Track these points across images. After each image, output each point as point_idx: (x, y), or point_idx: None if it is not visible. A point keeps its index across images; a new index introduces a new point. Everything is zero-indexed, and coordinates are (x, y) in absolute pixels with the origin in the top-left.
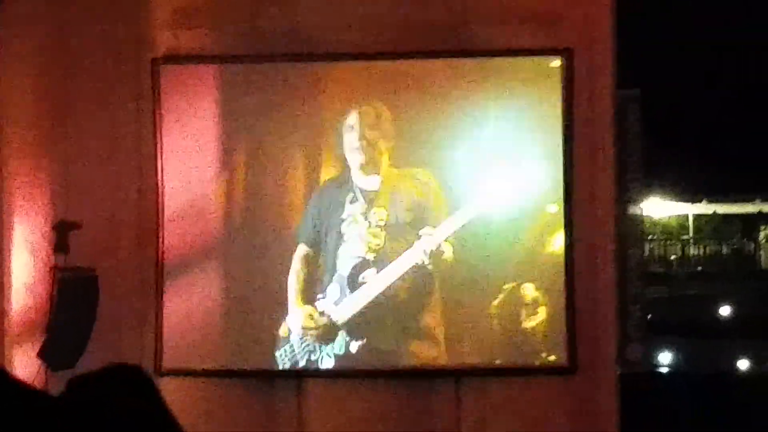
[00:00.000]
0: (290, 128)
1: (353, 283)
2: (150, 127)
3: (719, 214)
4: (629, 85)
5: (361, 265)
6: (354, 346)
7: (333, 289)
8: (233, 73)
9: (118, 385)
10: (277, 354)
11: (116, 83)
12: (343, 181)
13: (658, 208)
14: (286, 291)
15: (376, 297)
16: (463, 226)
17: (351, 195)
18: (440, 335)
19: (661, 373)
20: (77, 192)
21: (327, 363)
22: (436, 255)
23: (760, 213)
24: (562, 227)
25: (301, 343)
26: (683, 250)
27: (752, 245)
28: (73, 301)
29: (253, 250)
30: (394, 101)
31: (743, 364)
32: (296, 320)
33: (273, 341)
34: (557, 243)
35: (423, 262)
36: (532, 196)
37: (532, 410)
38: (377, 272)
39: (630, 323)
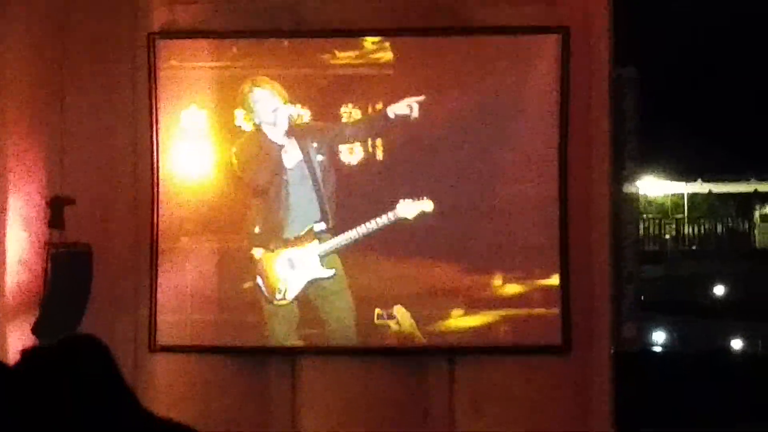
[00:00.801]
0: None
1: None
2: (146, 102)
3: (714, 193)
4: (626, 64)
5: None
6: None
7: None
8: (230, 48)
9: (71, 356)
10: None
11: (112, 58)
12: None
13: (653, 187)
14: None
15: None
16: (456, 200)
17: None
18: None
19: (655, 351)
20: (72, 168)
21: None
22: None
23: (755, 192)
24: (557, 205)
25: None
26: (678, 229)
27: (747, 224)
28: (67, 276)
29: (248, 225)
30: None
31: (737, 343)
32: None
33: (267, 317)
34: (552, 221)
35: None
36: (527, 174)
37: (526, 389)
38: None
39: (624, 302)
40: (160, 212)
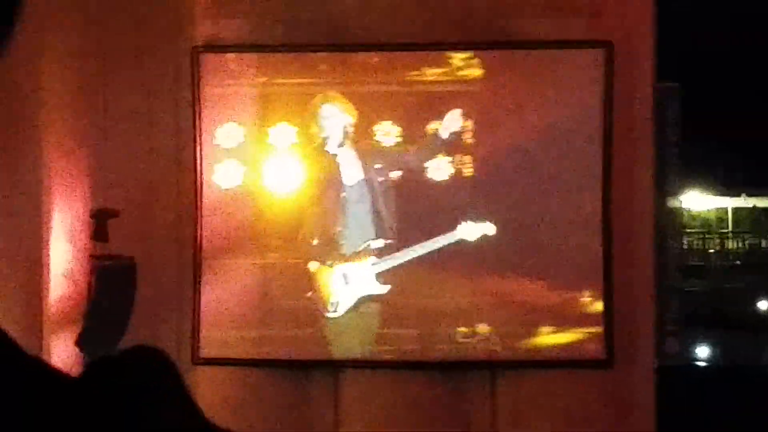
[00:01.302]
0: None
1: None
2: (189, 115)
3: (758, 208)
4: (669, 78)
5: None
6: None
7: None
8: (272, 62)
9: (140, 368)
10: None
11: (155, 71)
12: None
13: (696, 201)
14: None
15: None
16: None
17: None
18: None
19: (698, 366)
20: (116, 180)
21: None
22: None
23: None
24: (600, 219)
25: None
26: (722, 244)
27: None
28: (111, 289)
29: (303, 239)
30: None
31: None
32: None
33: (311, 330)
34: (595, 235)
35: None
36: (571, 188)
37: (568, 403)
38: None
39: (668, 316)
40: (203, 224)
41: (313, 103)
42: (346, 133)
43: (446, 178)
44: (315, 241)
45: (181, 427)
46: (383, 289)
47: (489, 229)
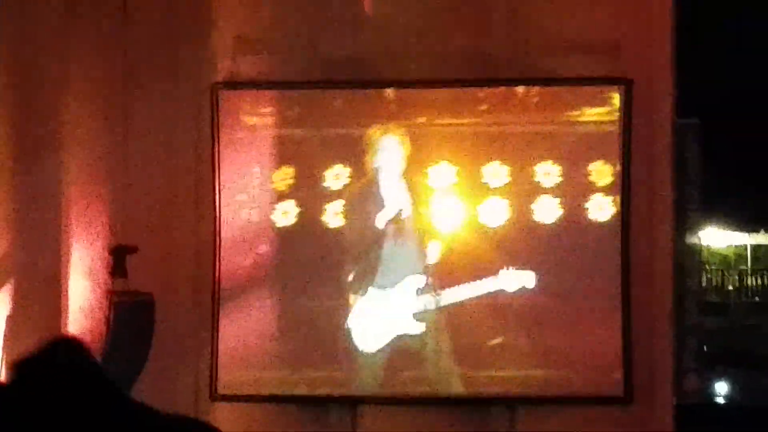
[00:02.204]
0: (349, 155)
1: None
2: (208, 152)
3: None
4: (689, 115)
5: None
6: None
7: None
8: (293, 100)
9: (57, 361)
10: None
11: (176, 108)
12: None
13: (716, 237)
14: (344, 315)
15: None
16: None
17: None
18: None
19: (717, 404)
20: (135, 217)
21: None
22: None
23: None
24: (619, 256)
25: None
26: (741, 280)
27: None
28: (129, 325)
29: (309, 275)
30: (455, 129)
31: None
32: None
33: (329, 366)
34: (615, 271)
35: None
36: (591, 225)
37: None
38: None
39: (687, 353)
40: (222, 261)
41: (370, 134)
42: (399, 168)
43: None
44: (350, 277)
45: (113, 410)
46: (418, 328)
47: (529, 280)
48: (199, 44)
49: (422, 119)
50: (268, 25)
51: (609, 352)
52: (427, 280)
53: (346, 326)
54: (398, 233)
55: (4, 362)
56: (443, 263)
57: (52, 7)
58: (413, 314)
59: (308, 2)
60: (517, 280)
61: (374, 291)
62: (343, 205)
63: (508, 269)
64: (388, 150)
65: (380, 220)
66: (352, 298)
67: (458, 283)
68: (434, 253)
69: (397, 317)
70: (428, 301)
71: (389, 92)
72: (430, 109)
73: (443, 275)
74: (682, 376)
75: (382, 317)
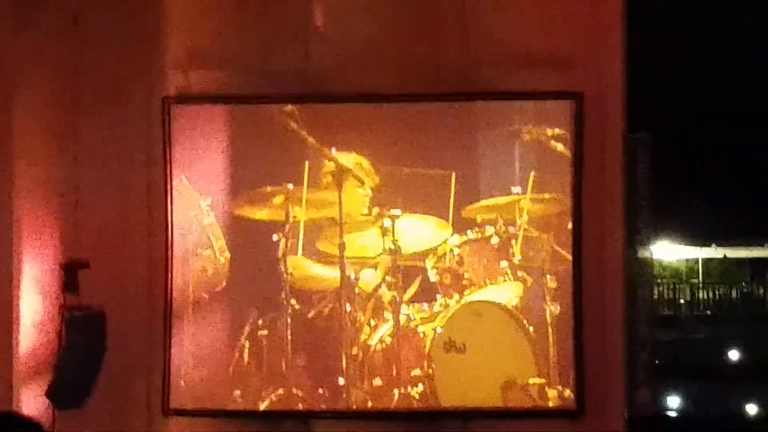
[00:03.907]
0: (298, 169)
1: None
2: (160, 166)
3: (729, 258)
4: (640, 129)
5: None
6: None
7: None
8: (244, 114)
9: None
10: None
11: (127, 122)
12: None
13: (667, 251)
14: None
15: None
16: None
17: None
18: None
19: (669, 416)
20: (86, 231)
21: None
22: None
23: None
24: (571, 268)
25: None
26: (693, 294)
27: (761, 289)
28: (81, 340)
29: (260, 289)
30: (403, 143)
31: (752, 408)
32: None
33: (282, 380)
34: (566, 284)
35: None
36: (540, 240)
37: None
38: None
39: (638, 366)
40: (174, 275)
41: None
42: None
43: None
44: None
45: None
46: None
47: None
48: (150, 58)
49: (376, 133)
50: (219, 39)
51: (560, 365)
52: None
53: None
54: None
55: None
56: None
57: (1, 22)
58: None
59: (259, 15)
60: None
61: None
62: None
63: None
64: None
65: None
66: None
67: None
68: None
69: None
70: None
71: (342, 106)
72: (382, 123)
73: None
74: (633, 389)
75: None
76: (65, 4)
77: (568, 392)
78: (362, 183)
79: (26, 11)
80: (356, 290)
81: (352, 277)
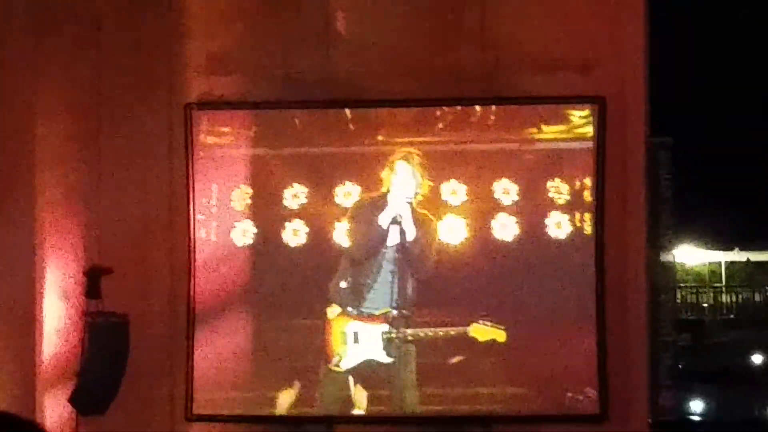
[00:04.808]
0: (320, 173)
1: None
2: (183, 172)
3: (752, 262)
4: (661, 133)
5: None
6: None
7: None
8: (266, 119)
9: None
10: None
11: (149, 128)
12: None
13: (690, 255)
14: (322, 334)
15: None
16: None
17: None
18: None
19: (692, 420)
20: (109, 238)
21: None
22: None
23: None
24: (594, 273)
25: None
26: (715, 298)
27: None
28: (104, 346)
29: (284, 295)
30: (426, 147)
31: None
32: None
33: (305, 386)
34: (589, 289)
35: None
36: (563, 244)
37: None
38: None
39: (662, 371)
40: (197, 281)
41: (393, 156)
42: (411, 192)
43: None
44: (343, 284)
45: None
46: (387, 359)
47: (499, 336)
48: (171, 65)
49: (416, 138)
50: (240, 45)
51: (584, 370)
52: (404, 312)
53: (319, 346)
54: (394, 258)
55: None
56: (421, 295)
57: (23, 28)
58: (384, 342)
59: (280, 21)
60: (487, 333)
61: (354, 313)
62: (348, 226)
63: (480, 322)
64: (403, 174)
65: (379, 244)
66: (336, 310)
67: (430, 324)
68: (415, 286)
69: (370, 343)
70: (401, 333)
71: (370, 111)
72: (409, 128)
73: (419, 313)
74: (656, 393)
75: (356, 340)
76: (87, 12)
77: (592, 396)
78: None
79: (48, 19)
80: None
81: None
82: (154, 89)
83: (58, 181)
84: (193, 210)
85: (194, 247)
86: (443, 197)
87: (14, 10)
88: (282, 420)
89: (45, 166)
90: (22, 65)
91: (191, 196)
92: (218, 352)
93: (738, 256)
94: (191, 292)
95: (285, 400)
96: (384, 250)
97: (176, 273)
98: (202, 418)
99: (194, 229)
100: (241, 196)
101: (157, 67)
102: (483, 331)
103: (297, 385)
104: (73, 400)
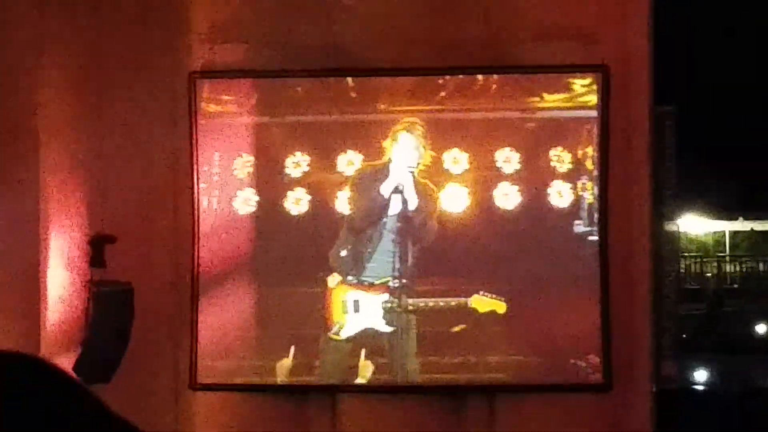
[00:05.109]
0: (322, 142)
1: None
2: (186, 140)
3: (756, 231)
4: (665, 102)
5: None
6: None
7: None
8: (268, 87)
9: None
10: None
11: (153, 96)
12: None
13: (694, 224)
14: (323, 303)
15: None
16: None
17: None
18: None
19: (696, 390)
20: (113, 206)
21: (364, 375)
22: None
23: None
24: (597, 242)
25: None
26: (719, 268)
27: None
28: (108, 315)
29: (286, 264)
30: (428, 116)
31: None
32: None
33: (307, 354)
34: (592, 258)
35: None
36: (565, 212)
37: (567, 427)
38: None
39: (665, 340)
40: (200, 250)
41: (397, 126)
42: (413, 160)
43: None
44: (344, 252)
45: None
46: (387, 329)
47: (499, 308)
48: (175, 33)
49: (419, 107)
50: (244, 13)
51: (587, 339)
52: (404, 281)
53: (321, 315)
54: (395, 227)
55: None
56: (422, 265)
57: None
58: (384, 311)
59: None
60: (487, 305)
61: (354, 282)
62: (349, 195)
63: (480, 294)
64: (406, 144)
65: (381, 213)
66: (336, 278)
67: (431, 294)
68: (416, 256)
69: (370, 312)
70: (401, 302)
71: (372, 80)
72: (411, 97)
73: (420, 279)
74: (660, 363)
75: (356, 308)
76: None
77: (595, 366)
78: None
79: None
80: None
81: None
82: (156, 58)
83: (62, 150)
84: (197, 177)
85: (198, 216)
86: (445, 166)
87: None
88: (285, 389)
89: (48, 136)
90: (24, 35)
91: (195, 164)
92: (221, 320)
93: (742, 225)
94: (195, 261)
95: (287, 369)
96: (385, 219)
97: (180, 241)
98: (206, 387)
99: (198, 197)
100: (243, 164)
101: (160, 36)
102: (483, 303)
103: (299, 353)
104: (77, 369)
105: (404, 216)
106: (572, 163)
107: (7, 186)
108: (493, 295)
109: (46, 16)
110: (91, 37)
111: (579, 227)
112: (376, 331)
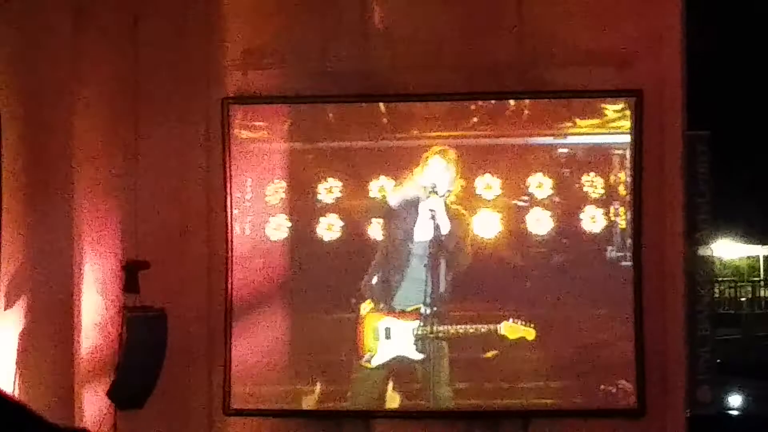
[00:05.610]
0: (354, 168)
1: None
2: (219, 166)
3: None
4: (699, 127)
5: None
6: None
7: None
8: (302, 113)
9: None
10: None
11: (186, 122)
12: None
13: (728, 249)
14: (355, 330)
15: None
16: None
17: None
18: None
19: (730, 415)
20: (147, 232)
21: (395, 402)
22: None
23: None
24: (632, 267)
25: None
26: (754, 292)
27: None
28: (142, 340)
29: (319, 290)
30: (461, 141)
31: None
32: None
33: (338, 381)
34: (627, 283)
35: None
36: (598, 238)
37: None
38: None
39: (699, 365)
40: (234, 275)
41: (426, 155)
42: (446, 188)
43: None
44: (375, 279)
45: None
46: (418, 356)
47: (528, 335)
48: (209, 59)
49: (451, 132)
50: (278, 39)
51: (621, 364)
52: (435, 309)
53: (353, 342)
54: (427, 253)
55: (18, 378)
56: (453, 291)
57: (62, 24)
58: (415, 338)
59: (317, 15)
60: (517, 331)
61: (386, 309)
62: (381, 221)
63: (510, 321)
64: (438, 170)
65: (419, 239)
66: (368, 306)
67: (462, 321)
68: (448, 282)
69: (401, 340)
70: (432, 329)
71: (404, 105)
72: (443, 122)
73: (451, 306)
74: (694, 388)
75: (388, 335)
76: (125, 6)
77: (629, 391)
78: None
79: (87, 14)
80: None
81: None
82: (191, 83)
83: (96, 175)
84: (230, 203)
85: (232, 242)
86: (477, 191)
87: (53, 6)
88: (319, 414)
89: (83, 161)
90: (61, 60)
91: (228, 190)
92: (254, 346)
93: None
94: (228, 287)
95: (319, 395)
96: (417, 246)
97: (213, 267)
98: (240, 413)
99: (231, 223)
100: (275, 190)
101: (195, 61)
102: (514, 330)
103: (331, 380)
104: (111, 394)
105: (436, 242)
106: (605, 188)
107: (41, 211)
108: (524, 322)
109: (83, 43)
110: (127, 63)
111: (612, 252)
112: (407, 358)
